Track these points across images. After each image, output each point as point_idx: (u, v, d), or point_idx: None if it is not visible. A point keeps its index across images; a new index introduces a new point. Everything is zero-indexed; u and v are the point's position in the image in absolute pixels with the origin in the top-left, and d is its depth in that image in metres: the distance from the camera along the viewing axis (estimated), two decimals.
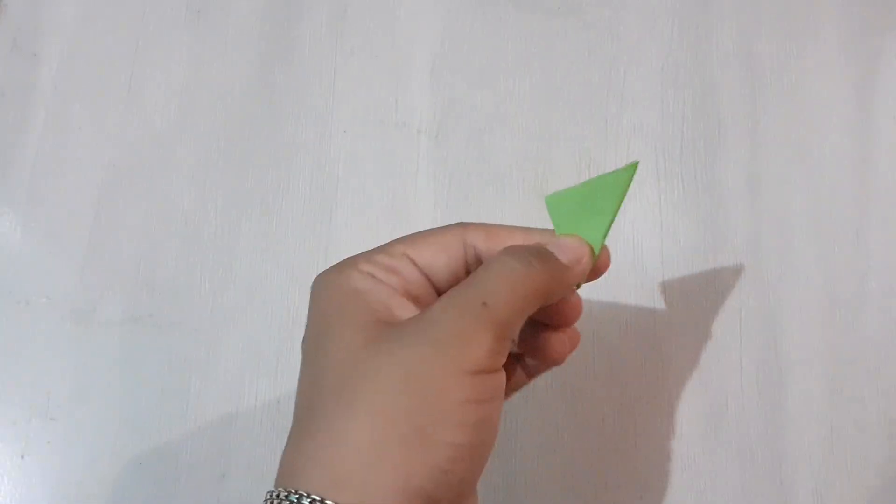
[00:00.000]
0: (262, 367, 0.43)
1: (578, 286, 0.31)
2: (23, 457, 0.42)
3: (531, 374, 0.33)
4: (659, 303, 0.44)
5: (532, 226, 0.32)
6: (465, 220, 0.31)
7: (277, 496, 0.25)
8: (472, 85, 0.48)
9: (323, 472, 0.25)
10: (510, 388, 0.33)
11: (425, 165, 0.46)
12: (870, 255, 0.44)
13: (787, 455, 0.41)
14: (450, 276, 0.30)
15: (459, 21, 0.49)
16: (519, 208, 0.45)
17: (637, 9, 0.49)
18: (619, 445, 0.42)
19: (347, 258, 0.30)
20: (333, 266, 0.30)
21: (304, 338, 0.29)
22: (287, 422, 0.43)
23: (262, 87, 0.48)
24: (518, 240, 0.30)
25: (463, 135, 0.47)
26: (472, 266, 0.30)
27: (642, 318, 0.43)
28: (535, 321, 0.31)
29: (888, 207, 0.45)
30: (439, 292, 0.30)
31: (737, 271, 0.44)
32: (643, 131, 0.47)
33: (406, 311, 0.28)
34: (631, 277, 0.44)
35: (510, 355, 0.31)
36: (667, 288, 0.44)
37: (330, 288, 0.29)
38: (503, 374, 0.27)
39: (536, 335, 0.32)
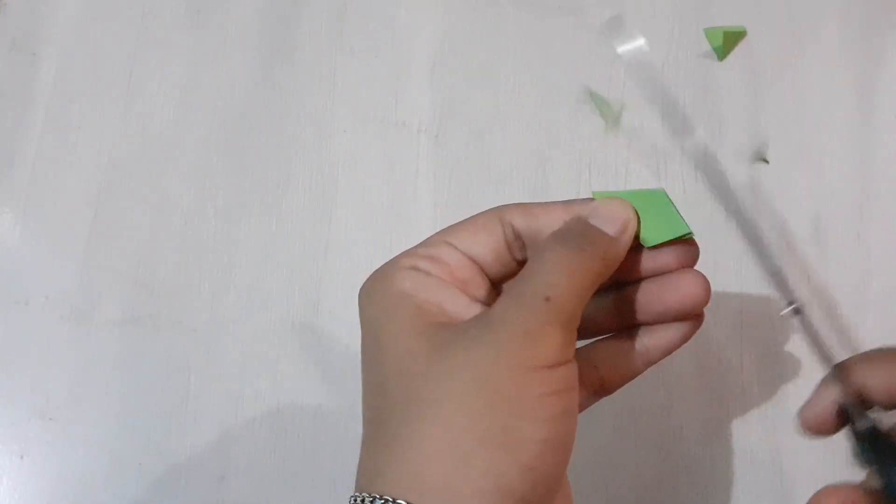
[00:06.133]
0: (262, 367, 0.43)
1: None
2: (22, 457, 0.42)
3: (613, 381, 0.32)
4: None
5: None
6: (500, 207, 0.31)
7: (362, 501, 0.25)
8: (472, 85, 0.48)
9: (406, 479, 0.25)
10: (596, 394, 0.32)
11: (425, 165, 0.46)
12: (870, 256, 0.44)
13: (787, 455, 0.41)
14: (492, 254, 0.30)
15: (459, 21, 0.49)
16: None
17: (637, 9, 0.49)
18: (619, 445, 0.42)
19: (389, 260, 0.30)
20: (376, 271, 0.30)
21: (361, 349, 0.29)
22: (286, 422, 0.43)
23: (262, 87, 0.48)
24: (557, 214, 0.30)
25: (463, 135, 0.47)
26: (511, 244, 0.30)
27: None
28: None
29: (888, 207, 0.45)
30: (486, 273, 0.30)
31: (737, 271, 0.44)
32: (643, 131, 0.47)
33: (459, 303, 0.28)
34: None
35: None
36: None
37: (376, 294, 0.29)
38: (575, 365, 0.27)
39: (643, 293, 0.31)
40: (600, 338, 0.32)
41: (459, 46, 0.49)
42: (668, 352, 0.31)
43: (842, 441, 0.41)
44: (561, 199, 0.31)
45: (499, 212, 0.30)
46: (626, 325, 0.31)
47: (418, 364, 0.26)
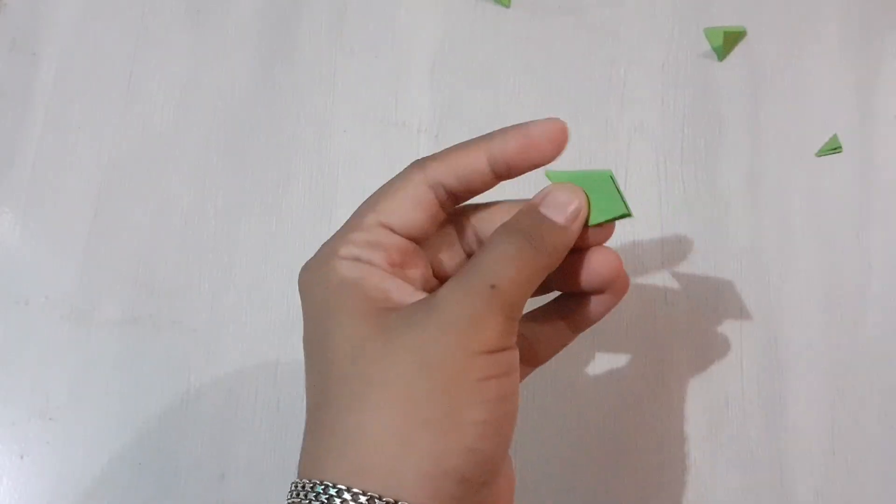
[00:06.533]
0: (262, 367, 0.43)
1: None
2: (22, 457, 0.42)
3: (554, 346, 0.33)
4: (659, 303, 0.44)
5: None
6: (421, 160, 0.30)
7: (303, 487, 0.25)
8: (472, 85, 0.48)
9: (346, 463, 0.25)
10: (529, 365, 0.33)
11: None
12: (870, 255, 0.44)
13: (787, 455, 0.41)
14: (428, 222, 0.30)
15: (459, 21, 0.49)
16: None
17: (637, 9, 0.49)
18: (619, 445, 0.42)
19: (324, 245, 0.30)
20: (313, 258, 0.30)
21: (304, 336, 0.29)
22: (286, 421, 0.43)
23: (262, 87, 0.48)
24: (478, 156, 0.29)
25: (463, 135, 0.46)
26: (445, 204, 0.30)
27: (642, 318, 0.43)
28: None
29: (888, 207, 0.45)
30: (418, 242, 0.30)
31: (737, 271, 0.44)
32: (643, 131, 0.47)
33: (403, 292, 0.28)
34: (631, 277, 0.44)
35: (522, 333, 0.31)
36: (667, 288, 0.44)
37: (318, 283, 0.29)
38: (516, 350, 0.28)
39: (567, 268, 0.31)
40: (529, 311, 0.33)
41: (459, 46, 0.49)
42: (596, 320, 0.32)
43: (842, 441, 0.41)
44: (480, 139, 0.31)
45: (423, 174, 0.30)
46: (549, 291, 0.33)
47: (363, 348, 0.26)
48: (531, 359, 0.32)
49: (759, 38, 0.48)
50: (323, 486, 0.25)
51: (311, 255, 0.45)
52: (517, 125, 0.30)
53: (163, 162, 0.47)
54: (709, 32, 0.47)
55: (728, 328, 0.43)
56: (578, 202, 0.30)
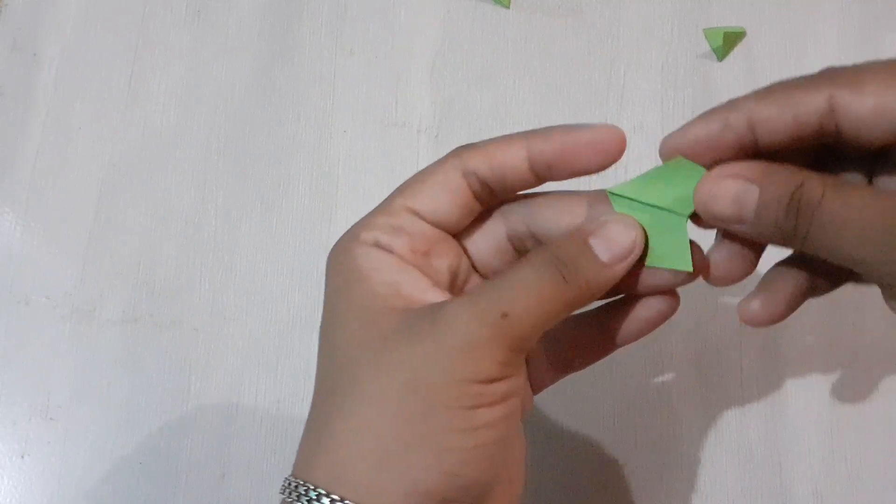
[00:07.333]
0: (262, 367, 0.43)
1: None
2: (23, 457, 0.42)
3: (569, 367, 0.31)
4: None
5: None
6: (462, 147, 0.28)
7: (290, 485, 0.26)
8: (472, 85, 0.48)
9: (331, 468, 0.25)
10: (560, 371, 0.31)
11: (425, 165, 0.46)
12: None
13: (787, 455, 0.41)
14: (459, 212, 0.28)
15: (459, 21, 0.49)
16: None
17: (637, 9, 0.49)
18: (619, 445, 0.42)
19: (353, 226, 0.28)
20: (340, 239, 0.28)
21: (320, 323, 0.28)
22: (286, 421, 0.43)
23: (262, 87, 0.48)
24: (517, 150, 0.27)
25: (463, 135, 0.47)
26: (480, 196, 0.28)
27: None
28: None
29: None
30: (450, 233, 0.29)
31: None
32: (643, 131, 0.47)
33: (417, 286, 0.27)
34: None
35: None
36: None
37: (336, 269, 0.28)
38: (519, 376, 0.26)
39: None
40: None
41: (459, 46, 0.49)
42: (641, 334, 0.29)
43: (842, 441, 0.41)
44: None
45: (458, 160, 0.28)
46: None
47: (361, 354, 0.26)
48: (562, 365, 0.31)
49: (758, 38, 0.48)
50: (305, 488, 0.25)
51: (311, 254, 0.46)
52: (566, 125, 0.27)
53: (163, 162, 0.47)
54: (708, 33, 0.47)
55: (728, 328, 0.43)
56: (632, 242, 0.27)
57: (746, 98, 0.27)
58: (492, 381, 0.25)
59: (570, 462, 0.42)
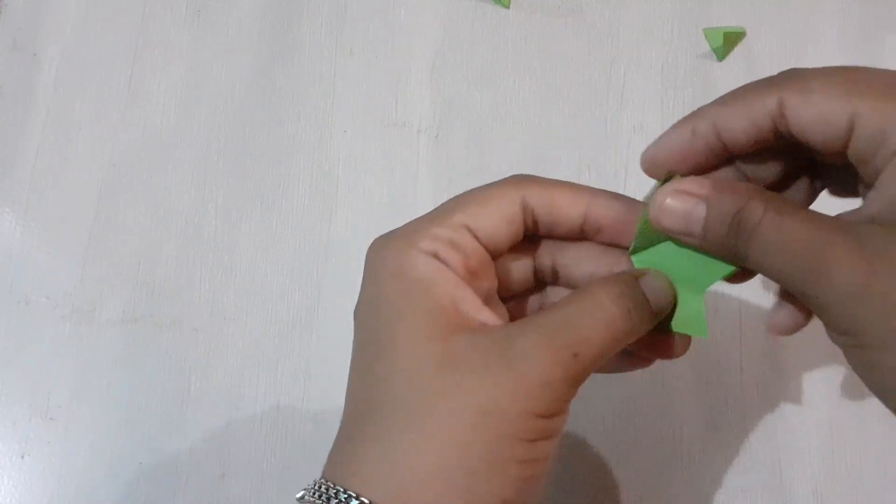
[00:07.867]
0: (262, 367, 0.43)
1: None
2: (23, 457, 0.42)
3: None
4: None
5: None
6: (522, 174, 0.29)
7: (326, 490, 0.25)
8: (472, 85, 0.48)
9: (385, 480, 0.25)
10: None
11: (425, 165, 0.47)
12: None
13: (787, 455, 0.41)
14: (508, 240, 0.29)
15: (459, 21, 0.49)
16: None
17: (637, 9, 0.49)
18: (619, 445, 0.42)
19: (404, 228, 0.28)
20: (392, 238, 0.28)
21: (359, 311, 0.28)
22: (286, 421, 0.43)
23: (262, 87, 0.48)
24: (580, 204, 0.28)
25: (463, 135, 0.47)
26: (528, 227, 0.29)
27: None
28: None
29: None
30: (493, 257, 0.29)
31: None
32: (643, 131, 0.47)
33: (472, 305, 0.27)
34: None
35: None
36: None
37: (393, 272, 0.27)
38: (568, 413, 0.27)
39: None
40: None
41: (459, 46, 0.49)
42: (633, 370, 0.31)
43: (842, 441, 0.41)
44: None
45: (520, 192, 0.28)
46: None
47: (428, 370, 0.26)
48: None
49: (758, 38, 0.48)
50: (346, 496, 0.25)
51: (311, 254, 0.46)
52: (628, 198, 0.28)
53: (163, 162, 0.47)
54: (708, 33, 0.47)
55: (728, 328, 0.43)
56: (672, 298, 0.28)
57: (711, 105, 0.28)
58: (554, 415, 0.26)
59: (570, 462, 0.42)
